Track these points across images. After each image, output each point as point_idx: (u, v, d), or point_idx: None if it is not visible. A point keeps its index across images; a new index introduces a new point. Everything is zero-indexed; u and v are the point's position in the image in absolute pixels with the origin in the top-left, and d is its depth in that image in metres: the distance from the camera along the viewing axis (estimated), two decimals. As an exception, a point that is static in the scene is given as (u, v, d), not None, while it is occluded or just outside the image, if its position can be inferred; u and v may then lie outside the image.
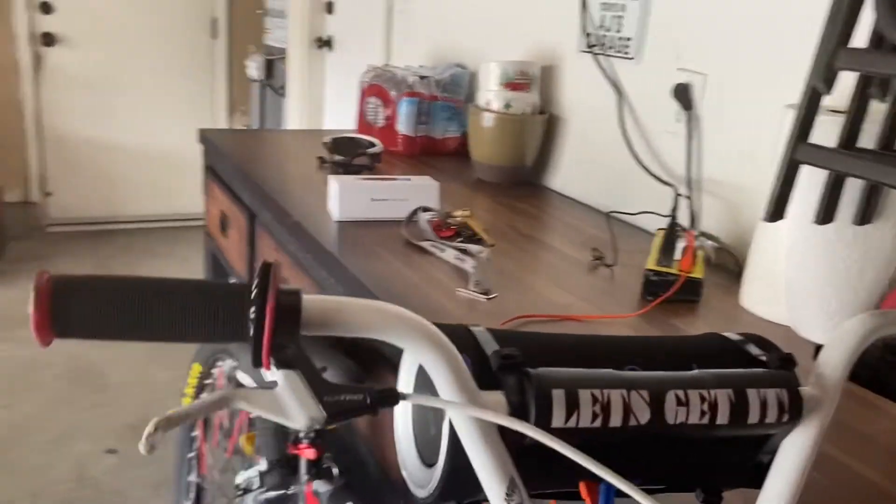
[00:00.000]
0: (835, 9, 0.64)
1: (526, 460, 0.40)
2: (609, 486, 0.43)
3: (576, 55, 1.47)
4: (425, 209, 1.18)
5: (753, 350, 0.48)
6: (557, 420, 0.38)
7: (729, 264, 1.11)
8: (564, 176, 1.53)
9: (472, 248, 1.07)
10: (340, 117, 2.74)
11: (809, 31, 1.01)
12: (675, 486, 0.48)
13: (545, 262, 1.08)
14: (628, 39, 1.33)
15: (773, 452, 0.45)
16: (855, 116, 0.68)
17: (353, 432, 1.04)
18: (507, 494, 0.39)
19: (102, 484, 1.98)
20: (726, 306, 0.98)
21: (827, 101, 0.69)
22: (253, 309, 0.35)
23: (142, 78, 3.86)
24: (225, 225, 1.62)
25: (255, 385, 1.04)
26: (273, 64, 3.20)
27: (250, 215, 1.44)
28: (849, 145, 0.68)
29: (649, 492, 0.39)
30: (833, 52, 0.64)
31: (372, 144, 1.55)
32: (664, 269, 0.97)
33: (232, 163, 1.51)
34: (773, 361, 0.46)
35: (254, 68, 3.31)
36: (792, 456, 0.44)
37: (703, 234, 1.15)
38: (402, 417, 0.47)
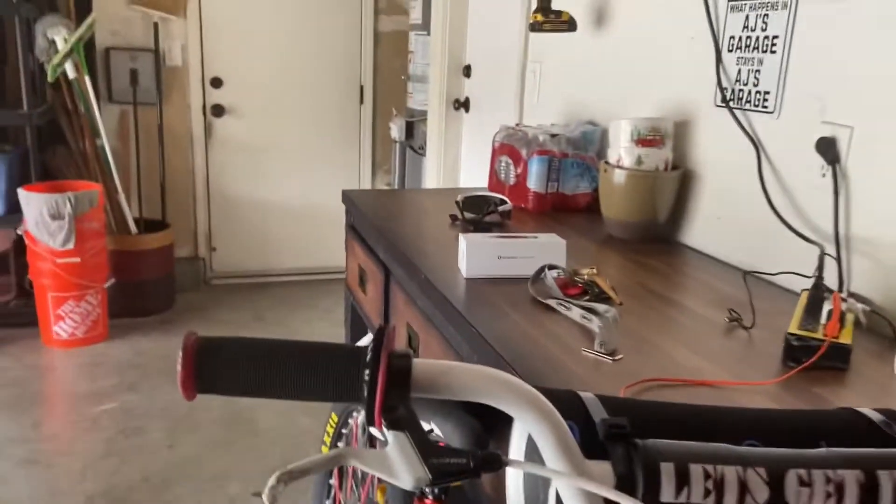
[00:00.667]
0: None
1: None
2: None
3: (711, 110, 1.44)
4: (552, 267, 1.18)
5: (894, 429, 0.44)
6: (666, 495, 0.38)
7: (884, 330, 1.02)
8: (699, 232, 1.49)
9: (599, 306, 1.06)
10: (475, 175, 2.81)
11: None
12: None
13: (676, 323, 1.05)
14: (766, 93, 1.29)
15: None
16: None
17: (477, 490, 1.05)
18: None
19: (248, 524, 2.09)
20: (879, 375, 0.90)
21: None
22: (367, 372, 0.38)
23: (297, 142, 4.19)
24: (363, 280, 1.70)
25: (382, 438, 1.08)
26: (413, 125, 3.36)
27: (385, 271, 1.51)
28: None
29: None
30: None
31: (503, 202, 1.58)
32: (808, 334, 0.91)
33: (370, 221, 1.60)
34: (914, 442, 0.42)
35: (396, 130, 3.49)
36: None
37: (853, 296, 1.07)
38: (514, 481, 0.48)
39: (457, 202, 1.59)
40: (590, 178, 1.75)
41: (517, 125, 1.89)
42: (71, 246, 3.01)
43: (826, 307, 0.95)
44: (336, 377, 0.39)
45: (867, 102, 1.10)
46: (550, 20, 1.79)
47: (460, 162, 2.97)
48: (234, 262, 4.21)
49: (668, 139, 1.47)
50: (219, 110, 3.99)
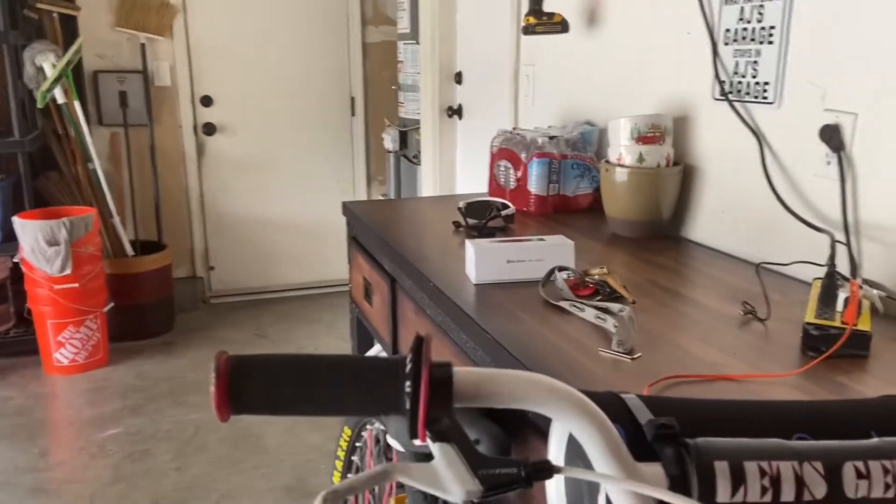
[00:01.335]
0: None
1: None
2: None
3: (710, 104, 1.44)
4: (562, 268, 1.17)
5: (940, 414, 0.44)
6: (723, 495, 0.37)
7: (901, 314, 1.02)
8: (704, 227, 1.48)
9: (613, 306, 1.05)
10: (471, 182, 2.81)
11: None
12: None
13: (690, 318, 1.04)
14: (766, 84, 1.28)
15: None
16: None
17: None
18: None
19: (262, 544, 2.07)
20: (902, 361, 0.89)
21: None
22: (408, 383, 0.37)
23: (290, 157, 4.18)
24: (368, 292, 1.69)
25: (402, 449, 1.06)
26: (407, 135, 3.36)
27: (391, 281, 1.49)
28: None
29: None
30: None
31: (505, 206, 1.57)
32: (826, 323, 0.90)
33: (373, 232, 1.59)
34: (966, 428, 0.41)
35: (389, 140, 3.49)
36: None
37: (867, 282, 1.06)
38: (555, 489, 0.47)
39: (459, 208, 1.58)
40: (590, 179, 1.74)
41: (514, 129, 1.88)
42: (68, 271, 2.99)
43: (842, 295, 0.94)
44: (376, 391, 0.37)
45: (869, 88, 1.09)
46: (543, 22, 1.79)
47: (456, 169, 2.96)
48: (233, 279, 4.19)
49: (668, 135, 1.47)
50: (210, 128, 3.97)
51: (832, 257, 1.05)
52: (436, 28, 2.81)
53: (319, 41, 4.09)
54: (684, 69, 1.50)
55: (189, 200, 4.01)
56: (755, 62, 1.31)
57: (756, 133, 1.31)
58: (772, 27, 1.27)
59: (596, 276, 1.16)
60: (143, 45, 3.71)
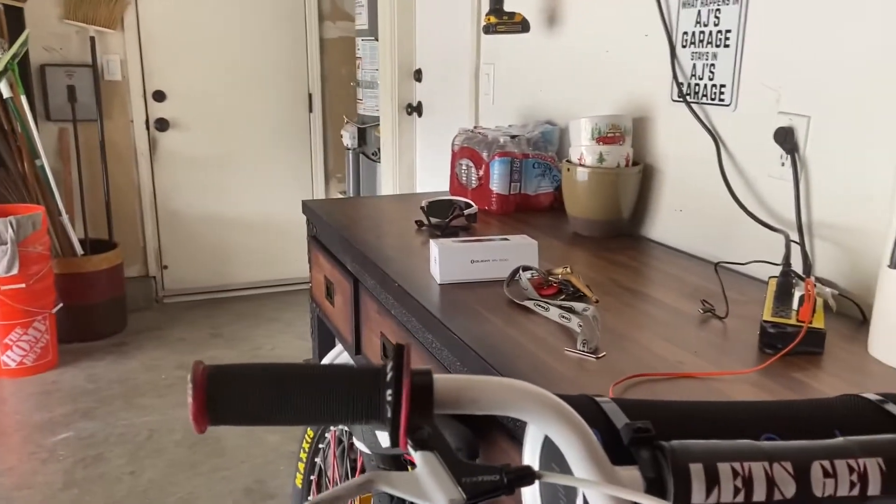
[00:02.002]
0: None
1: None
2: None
3: (668, 105, 1.46)
4: (526, 268, 1.18)
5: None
6: (697, 496, 0.37)
7: (850, 312, 1.05)
8: (663, 226, 1.51)
9: (577, 305, 1.07)
10: (432, 180, 2.81)
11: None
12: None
13: (652, 317, 1.06)
14: (723, 86, 1.31)
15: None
16: None
17: None
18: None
19: (221, 548, 2.04)
20: (853, 357, 0.92)
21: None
22: (389, 392, 0.37)
23: (246, 154, 4.11)
24: (330, 291, 1.68)
25: (368, 451, 1.06)
26: (366, 132, 3.34)
27: (354, 281, 1.48)
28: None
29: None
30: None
31: (468, 205, 1.58)
32: (782, 320, 0.93)
33: (334, 231, 1.58)
34: (923, 424, 0.43)
35: (348, 137, 3.46)
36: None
37: (820, 281, 1.10)
38: (531, 493, 0.47)
39: (422, 207, 1.58)
40: (551, 178, 1.76)
41: (476, 128, 1.89)
42: (15, 272, 2.89)
43: (797, 293, 0.97)
44: (356, 399, 0.37)
45: (821, 91, 1.13)
46: (504, 22, 1.79)
47: (416, 167, 2.96)
48: (188, 278, 4.11)
49: (628, 136, 1.49)
50: (163, 124, 3.89)
51: (787, 256, 1.09)
52: (394, 25, 2.80)
53: (276, 36, 4.04)
54: (643, 71, 1.53)
55: (141, 198, 3.92)
56: (712, 65, 1.34)
57: (713, 134, 1.34)
58: (728, 31, 1.30)
59: (559, 276, 1.17)
60: (92, 38, 3.61)
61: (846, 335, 0.99)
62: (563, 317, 1.03)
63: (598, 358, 0.92)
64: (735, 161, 1.31)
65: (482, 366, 0.92)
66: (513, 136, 1.74)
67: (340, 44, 4.18)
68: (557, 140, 1.80)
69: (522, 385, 0.39)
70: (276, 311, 3.94)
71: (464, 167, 1.81)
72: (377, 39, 2.99)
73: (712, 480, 0.38)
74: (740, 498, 0.38)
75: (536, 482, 0.47)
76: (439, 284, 1.20)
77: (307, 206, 1.81)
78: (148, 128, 3.86)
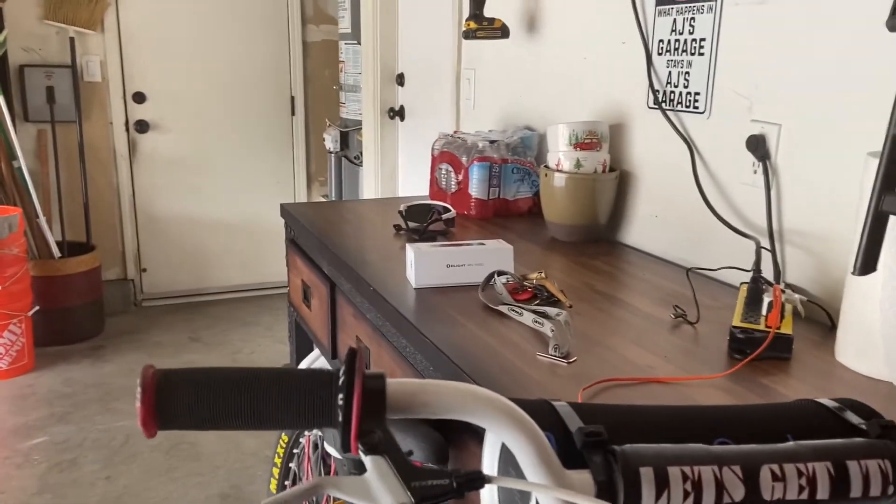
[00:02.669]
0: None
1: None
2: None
3: (644, 112, 1.47)
4: (500, 273, 1.18)
5: (852, 418, 0.46)
6: (647, 500, 0.38)
7: (819, 318, 1.07)
8: (639, 231, 1.52)
9: (550, 310, 1.07)
10: (414, 184, 2.81)
11: (888, 76, 0.99)
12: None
13: (624, 322, 1.07)
14: (697, 94, 1.33)
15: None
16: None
17: None
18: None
19: (196, 553, 2.02)
20: (820, 363, 0.93)
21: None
22: (340, 396, 0.37)
23: (227, 156, 4.09)
24: (307, 295, 1.67)
25: (340, 457, 1.05)
26: (348, 136, 3.33)
27: (331, 285, 1.48)
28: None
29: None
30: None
31: (446, 210, 1.58)
32: (751, 326, 0.94)
33: (312, 234, 1.57)
34: (874, 429, 0.43)
35: (330, 141, 3.45)
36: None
37: (790, 287, 1.11)
38: (489, 495, 0.47)
39: (400, 212, 1.57)
40: (530, 183, 1.76)
41: (455, 132, 1.89)
42: (-10, 274, 2.86)
43: (766, 299, 0.98)
44: (308, 404, 0.37)
45: (792, 100, 1.14)
46: (484, 27, 1.80)
47: (398, 171, 2.96)
48: (166, 281, 4.07)
49: (605, 142, 1.50)
50: (143, 126, 3.86)
51: (757, 263, 1.10)
52: (377, 29, 2.80)
53: (258, 38, 4.02)
54: (620, 78, 1.54)
55: (120, 200, 3.88)
56: (687, 73, 1.35)
57: (687, 141, 1.35)
58: (702, 39, 1.31)
59: (534, 281, 1.17)
60: (72, 39, 3.58)
61: (814, 341, 1.00)
62: (537, 321, 1.04)
63: (569, 363, 0.92)
64: (708, 168, 1.32)
65: (454, 370, 0.92)
66: (492, 142, 1.74)
67: (323, 47, 4.17)
68: (537, 145, 1.81)
69: (475, 389, 0.39)
70: (255, 314, 3.91)
71: (443, 172, 1.82)
72: (360, 43, 2.99)
73: (662, 484, 0.38)
74: (690, 501, 0.38)
75: (493, 486, 0.47)
76: (415, 289, 1.20)
77: (285, 210, 1.80)
78: (128, 129, 3.83)
